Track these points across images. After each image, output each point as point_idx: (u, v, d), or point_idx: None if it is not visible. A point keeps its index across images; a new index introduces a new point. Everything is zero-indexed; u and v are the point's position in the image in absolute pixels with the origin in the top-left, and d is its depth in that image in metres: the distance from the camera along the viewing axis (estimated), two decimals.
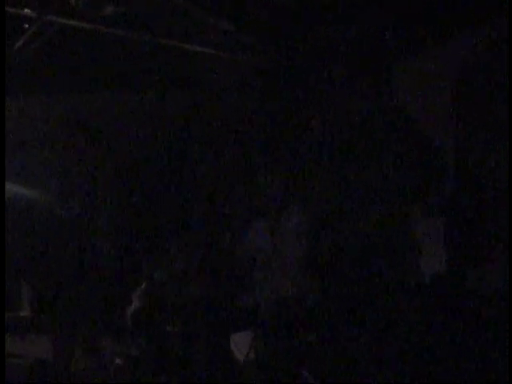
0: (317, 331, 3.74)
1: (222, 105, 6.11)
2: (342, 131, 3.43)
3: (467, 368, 3.32)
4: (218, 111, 6.15)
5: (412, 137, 3.27)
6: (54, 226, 4.83)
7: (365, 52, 3.58)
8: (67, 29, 5.10)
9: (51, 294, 4.64)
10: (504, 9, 4.02)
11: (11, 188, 4.63)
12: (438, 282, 3.75)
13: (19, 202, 4.63)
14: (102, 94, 6.11)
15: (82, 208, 4.86)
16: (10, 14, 4.81)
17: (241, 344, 4.43)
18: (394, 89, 4.43)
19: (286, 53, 5.40)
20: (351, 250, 3.32)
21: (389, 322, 3.23)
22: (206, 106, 6.13)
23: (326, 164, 3.46)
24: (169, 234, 5.73)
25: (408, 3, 4.54)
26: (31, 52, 5.28)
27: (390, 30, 4.67)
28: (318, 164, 3.49)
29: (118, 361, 4.81)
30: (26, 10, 4.84)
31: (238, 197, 6.02)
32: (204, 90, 6.04)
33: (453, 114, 4.56)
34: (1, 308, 4.17)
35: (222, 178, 6.39)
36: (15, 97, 5.55)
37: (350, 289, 3.29)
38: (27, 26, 5.06)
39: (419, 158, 3.25)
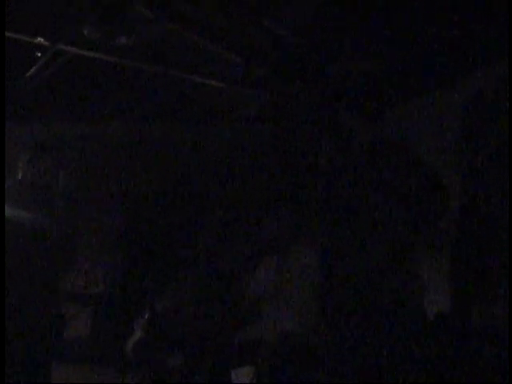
0: (319, 369, 3.70)
1: (230, 138, 6.14)
2: (348, 167, 3.43)
3: None
4: (226, 144, 6.18)
5: (418, 171, 3.27)
6: (55, 252, 4.83)
7: (371, 90, 3.60)
8: (79, 58, 5.16)
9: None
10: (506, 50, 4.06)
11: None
12: (442, 319, 3.72)
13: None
14: (112, 124, 6.16)
15: (86, 234, 4.87)
16: (23, 42, 4.89)
17: (242, 378, 4.38)
18: (400, 126, 4.45)
19: (295, 88, 5.43)
20: (356, 287, 3.30)
21: (393, 359, 3.20)
22: (213, 138, 6.16)
23: (333, 201, 3.46)
24: (174, 265, 5.71)
25: (415, 42, 4.58)
26: (43, 80, 5.35)
27: (398, 67, 4.71)
28: (325, 201, 3.50)
29: None
30: (39, 39, 4.91)
31: (245, 232, 6.01)
32: (213, 123, 6.08)
33: (459, 153, 4.57)
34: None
35: (229, 213, 6.39)
36: (25, 123, 5.62)
37: (354, 326, 3.27)
38: (40, 54, 5.13)
39: (425, 193, 3.24)
